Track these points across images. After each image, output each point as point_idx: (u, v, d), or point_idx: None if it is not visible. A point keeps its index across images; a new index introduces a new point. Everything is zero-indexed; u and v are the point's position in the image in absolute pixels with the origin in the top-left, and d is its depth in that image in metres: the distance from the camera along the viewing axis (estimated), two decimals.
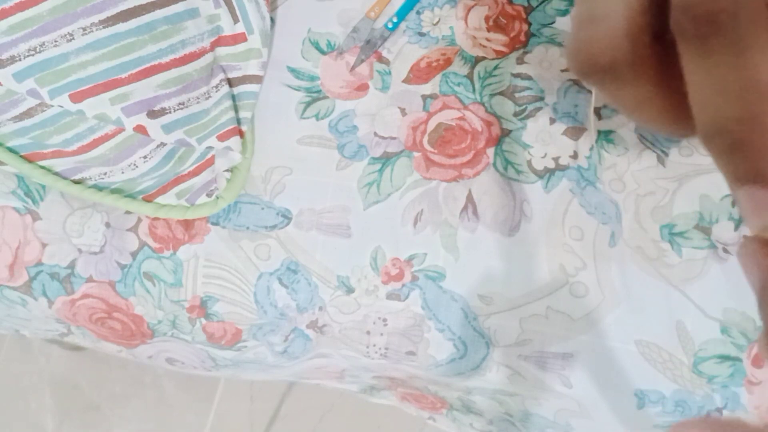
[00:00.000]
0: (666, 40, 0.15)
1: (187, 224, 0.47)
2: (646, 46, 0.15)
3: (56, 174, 0.44)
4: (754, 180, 0.14)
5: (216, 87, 0.44)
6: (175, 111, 0.42)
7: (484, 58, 0.47)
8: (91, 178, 0.44)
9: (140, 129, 0.41)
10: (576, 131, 0.46)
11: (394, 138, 0.47)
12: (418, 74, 0.48)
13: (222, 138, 0.45)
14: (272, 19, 0.49)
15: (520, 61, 0.47)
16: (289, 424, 0.98)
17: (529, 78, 0.47)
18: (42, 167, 0.44)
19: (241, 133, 0.47)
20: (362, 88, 0.48)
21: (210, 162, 0.46)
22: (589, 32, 0.16)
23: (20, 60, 0.38)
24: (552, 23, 0.47)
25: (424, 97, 0.47)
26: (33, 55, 0.38)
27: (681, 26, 0.14)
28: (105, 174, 0.43)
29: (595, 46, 0.16)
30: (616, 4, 0.15)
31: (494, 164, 0.46)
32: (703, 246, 0.44)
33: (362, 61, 0.48)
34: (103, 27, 0.38)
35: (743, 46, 0.13)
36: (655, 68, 0.16)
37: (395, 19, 0.48)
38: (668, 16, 0.15)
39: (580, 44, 0.16)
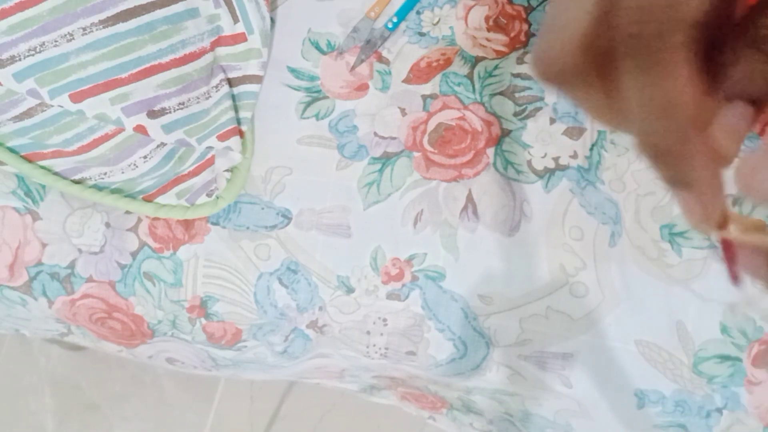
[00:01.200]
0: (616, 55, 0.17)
1: (187, 224, 0.47)
2: (596, 58, 0.17)
3: (56, 174, 0.44)
4: (680, 185, 0.16)
5: (216, 87, 0.44)
6: (175, 111, 0.42)
7: (484, 58, 0.47)
8: (91, 178, 0.44)
9: (140, 129, 0.41)
10: (576, 131, 0.46)
11: (394, 138, 0.47)
12: (418, 74, 0.48)
13: (222, 138, 0.45)
14: (272, 19, 0.49)
15: (520, 61, 0.47)
16: (289, 424, 0.98)
17: (529, 78, 0.47)
18: (42, 167, 0.44)
19: (241, 133, 0.47)
20: (362, 88, 0.48)
21: (210, 162, 0.46)
22: (546, 42, 0.18)
23: (20, 60, 0.38)
24: None
25: (424, 97, 0.47)
26: (33, 55, 0.38)
27: (619, 43, 0.16)
28: (105, 174, 0.43)
29: (549, 55, 0.18)
30: (571, 19, 0.17)
31: (494, 164, 0.46)
32: (703, 246, 0.44)
33: (362, 61, 0.48)
34: (103, 27, 0.38)
35: (665, 67, 0.15)
36: (604, 78, 0.17)
37: (395, 19, 0.48)
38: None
39: (538, 51, 0.18)
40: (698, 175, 0.16)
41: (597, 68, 0.17)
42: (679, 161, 0.16)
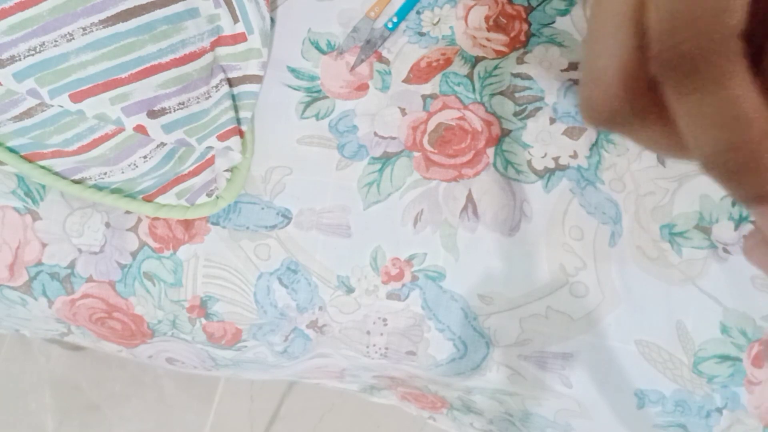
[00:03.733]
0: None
1: (187, 224, 0.47)
2: (643, 94, 0.16)
3: (56, 174, 0.44)
4: (758, 201, 0.15)
5: (216, 87, 0.44)
6: (175, 111, 0.42)
7: (484, 58, 0.47)
8: (91, 178, 0.44)
9: (140, 129, 0.41)
10: (576, 131, 0.46)
11: (394, 138, 0.47)
12: (418, 74, 0.48)
13: (222, 138, 0.45)
14: (272, 19, 0.49)
15: (520, 60, 0.47)
16: (289, 424, 0.98)
17: (529, 78, 0.47)
18: (42, 167, 0.44)
19: (241, 133, 0.47)
20: (362, 88, 0.48)
21: (210, 162, 0.46)
22: (589, 90, 0.17)
23: (20, 60, 0.38)
24: (552, 23, 0.47)
25: (424, 97, 0.47)
26: (33, 54, 0.38)
27: (658, 72, 0.15)
28: (105, 174, 0.43)
29: (595, 103, 0.17)
30: (608, 62, 0.16)
31: (494, 164, 0.46)
32: (703, 246, 0.44)
33: (362, 61, 0.48)
34: (103, 27, 0.38)
35: (719, 81, 0.14)
36: (656, 110, 0.17)
37: (395, 19, 0.48)
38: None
39: (584, 101, 0.18)
40: None
41: (648, 102, 0.16)
42: (756, 176, 0.15)
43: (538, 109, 0.46)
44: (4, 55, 0.38)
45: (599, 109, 0.17)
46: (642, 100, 0.16)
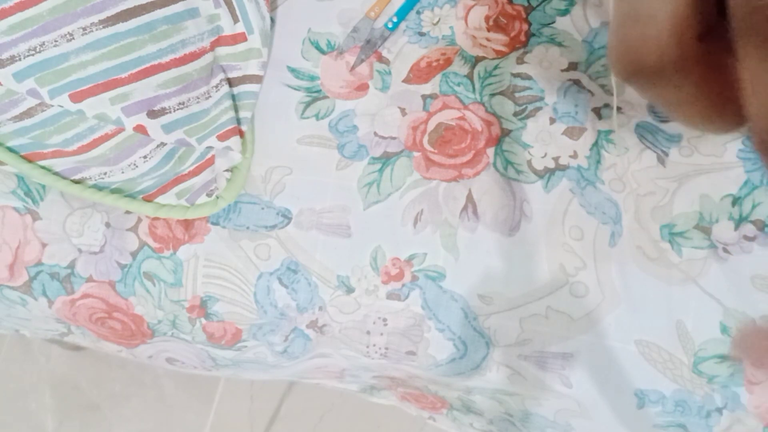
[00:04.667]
0: (710, 40, 0.15)
1: (187, 224, 0.47)
2: (693, 47, 0.15)
3: (56, 174, 0.44)
4: None
5: (216, 87, 0.44)
6: (175, 111, 0.42)
7: (484, 58, 0.47)
8: (91, 178, 0.44)
9: (140, 129, 0.41)
10: (576, 131, 0.46)
11: (394, 138, 0.47)
12: (418, 74, 0.48)
13: (222, 138, 0.45)
14: (272, 19, 0.49)
15: (520, 60, 0.47)
16: (289, 424, 0.98)
17: (529, 78, 0.46)
18: (42, 167, 0.44)
19: (241, 133, 0.46)
20: (362, 88, 0.48)
21: (210, 162, 0.46)
22: (635, 32, 0.15)
23: (20, 60, 0.38)
24: (552, 23, 0.47)
25: (424, 97, 0.47)
26: (33, 54, 0.38)
27: (750, 25, 0.13)
28: (105, 174, 0.43)
29: (642, 47, 0.15)
30: (662, 2, 0.15)
31: (494, 164, 0.46)
32: (704, 246, 0.44)
33: (362, 61, 0.48)
34: (103, 27, 0.38)
35: None
36: (699, 69, 0.15)
37: (395, 19, 0.48)
38: (718, 14, 0.14)
39: (624, 45, 0.16)
40: None
41: (694, 57, 0.15)
42: None
43: (538, 109, 0.46)
44: (4, 55, 0.38)
45: (644, 55, 0.15)
46: (688, 54, 0.15)
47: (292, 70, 0.48)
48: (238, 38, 0.45)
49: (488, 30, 0.48)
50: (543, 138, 0.46)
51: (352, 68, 0.48)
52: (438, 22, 0.48)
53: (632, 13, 0.15)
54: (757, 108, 0.13)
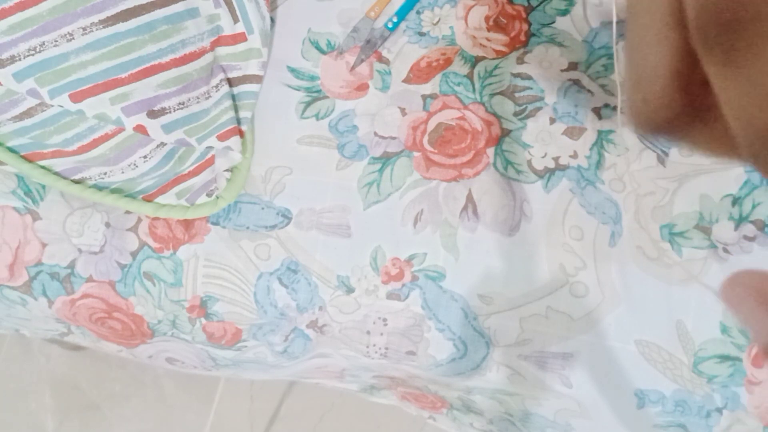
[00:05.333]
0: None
1: (187, 224, 0.47)
2: (700, 93, 0.15)
3: (56, 174, 0.44)
4: None
5: (216, 87, 0.44)
6: (175, 111, 0.42)
7: (484, 58, 0.47)
8: (91, 178, 0.44)
9: (140, 129, 0.41)
10: (576, 131, 0.46)
11: (394, 138, 0.47)
12: (418, 74, 0.48)
13: (222, 138, 0.45)
14: (272, 19, 0.49)
15: (520, 60, 0.47)
16: (289, 424, 0.98)
17: (529, 78, 0.47)
18: (42, 167, 0.44)
19: (241, 133, 0.46)
20: (362, 87, 0.48)
21: (210, 162, 0.46)
22: (643, 93, 0.16)
23: (20, 60, 0.38)
24: (552, 23, 0.47)
25: (424, 97, 0.47)
26: (33, 54, 0.38)
27: (703, 40, 0.13)
28: (105, 174, 0.43)
29: (650, 108, 0.16)
30: (658, 61, 0.15)
31: (494, 164, 0.46)
32: (703, 246, 0.44)
33: (362, 60, 0.48)
34: (103, 27, 0.38)
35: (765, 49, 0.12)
36: (713, 110, 0.15)
37: (395, 19, 0.48)
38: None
39: (635, 108, 0.16)
40: None
41: (705, 100, 0.15)
42: None
43: (538, 109, 0.46)
44: (4, 55, 0.38)
45: (656, 111, 0.16)
46: (701, 96, 0.15)
47: (292, 70, 0.48)
48: (238, 38, 0.45)
49: (488, 30, 0.48)
50: (543, 138, 0.46)
51: (352, 68, 0.48)
52: (438, 22, 0.49)
53: (637, 77, 0.16)
54: (733, 119, 0.14)
